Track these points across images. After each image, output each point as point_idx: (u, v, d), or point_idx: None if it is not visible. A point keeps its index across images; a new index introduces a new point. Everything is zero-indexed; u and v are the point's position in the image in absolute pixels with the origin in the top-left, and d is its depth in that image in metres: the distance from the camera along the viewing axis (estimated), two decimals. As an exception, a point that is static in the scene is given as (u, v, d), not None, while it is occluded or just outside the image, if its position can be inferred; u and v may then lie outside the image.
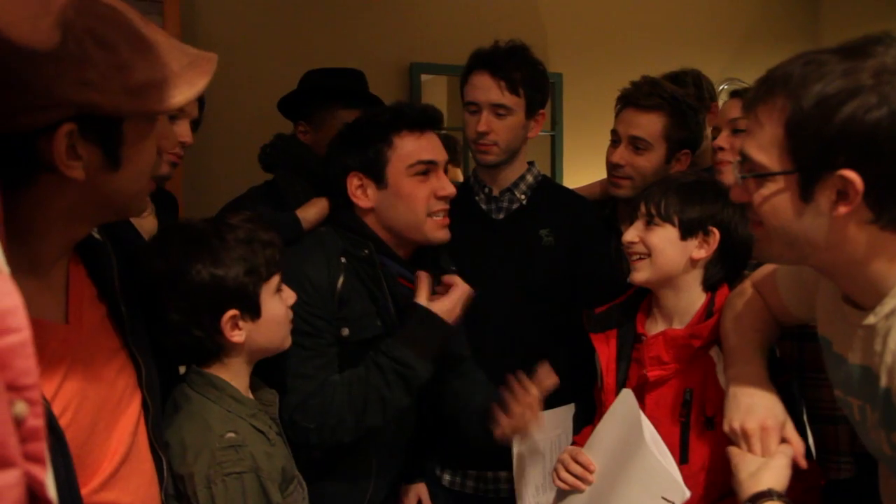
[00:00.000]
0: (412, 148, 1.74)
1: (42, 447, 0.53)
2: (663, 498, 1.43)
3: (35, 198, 0.96)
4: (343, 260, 1.72)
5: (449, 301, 1.71)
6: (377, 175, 1.74)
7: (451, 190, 1.77)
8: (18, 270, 0.53)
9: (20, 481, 0.50)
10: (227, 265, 1.35)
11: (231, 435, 1.33)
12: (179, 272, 1.34)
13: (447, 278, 1.77)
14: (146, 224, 1.78)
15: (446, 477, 2.17)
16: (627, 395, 1.59)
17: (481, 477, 2.13)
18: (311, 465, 1.63)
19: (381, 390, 1.63)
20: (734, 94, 2.12)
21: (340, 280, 1.69)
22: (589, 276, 2.06)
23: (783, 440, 1.32)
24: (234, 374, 1.43)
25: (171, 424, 1.35)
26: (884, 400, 1.12)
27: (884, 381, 1.11)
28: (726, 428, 1.35)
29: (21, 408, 0.51)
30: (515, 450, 1.96)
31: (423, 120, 1.77)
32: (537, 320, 2.06)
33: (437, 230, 1.78)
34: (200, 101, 1.80)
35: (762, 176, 1.12)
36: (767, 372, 1.42)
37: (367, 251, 1.72)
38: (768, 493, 1.21)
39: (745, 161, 1.15)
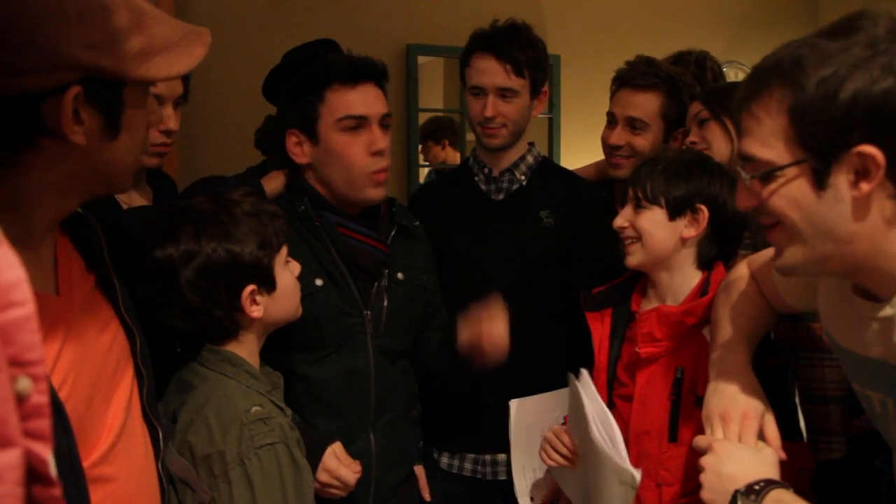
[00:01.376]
0: (342, 102, 1.71)
1: (46, 424, 0.52)
2: (620, 483, 1.44)
3: (32, 165, 0.96)
4: None
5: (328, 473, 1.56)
6: (310, 131, 1.73)
7: (382, 144, 1.74)
8: (10, 242, 0.52)
9: (20, 461, 0.49)
10: (241, 240, 1.35)
11: (257, 408, 1.34)
12: (194, 253, 1.33)
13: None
14: None
15: (444, 459, 2.17)
16: (573, 378, 1.59)
17: (479, 459, 2.14)
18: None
19: None
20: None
21: None
22: (588, 258, 2.06)
23: (761, 432, 1.29)
24: (248, 352, 1.44)
25: (188, 403, 1.36)
26: None
27: None
28: (704, 413, 1.34)
29: (25, 384, 0.50)
30: (512, 432, 1.96)
31: (354, 72, 1.73)
32: (536, 301, 2.06)
33: (370, 188, 1.75)
34: (184, 77, 1.79)
35: (771, 172, 1.07)
36: (751, 360, 1.40)
37: (303, 206, 1.73)
38: (774, 482, 1.18)
39: (749, 161, 1.10)
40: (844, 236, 1.06)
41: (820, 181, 1.04)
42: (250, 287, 1.37)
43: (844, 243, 1.06)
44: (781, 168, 1.06)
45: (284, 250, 1.44)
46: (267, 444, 1.31)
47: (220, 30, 3.13)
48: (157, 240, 1.36)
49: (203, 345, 1.42)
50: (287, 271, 1.45)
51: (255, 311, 1.39)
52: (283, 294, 1.43)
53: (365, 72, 1.75)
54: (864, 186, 1.01)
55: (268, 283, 1.40)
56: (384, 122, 1.77)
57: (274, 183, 1.88)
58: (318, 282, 1.72)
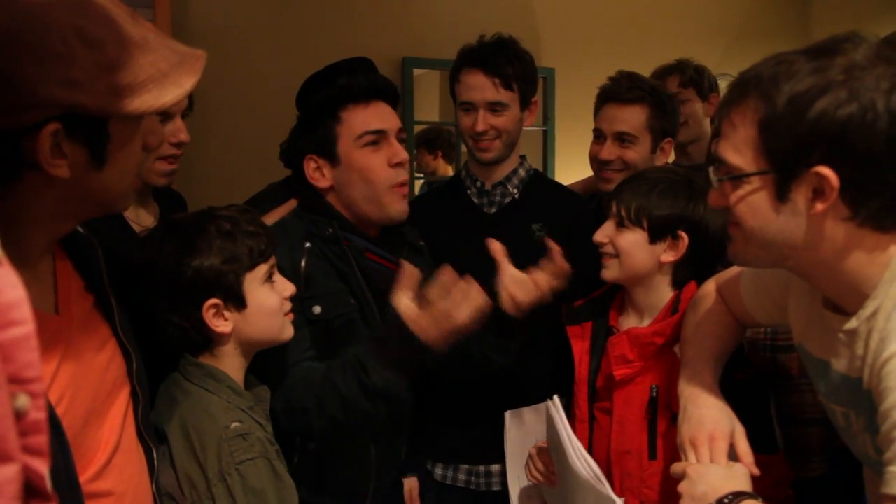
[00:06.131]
0: (359, 120, 1.73)
1: (44, 440, 0.53)
2: None
3: (20, 195, 0.96)
4: (307, 245, 1.71)
5: (428, 319, 1.50)
6: (330, 153, 1.74)
7: (404, 156, 1.76)
8: (9, 261, 0.53)
9: (18, 476, 0.50)
10: (204, 255, 1.35)
11: (237, 424, 1.34)
12: (158, 263, 1.35)
13: (445, 277, 1.54)
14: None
15: (438, 471, 2.17)
16: (550, 406, 1.61)
17: (473, 471, 2.14)
18: (309, 458, 1.64)
19: (338, 386, 1.58)
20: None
21: (304, 261, 1.68)
22: (580, 272, 2.07)
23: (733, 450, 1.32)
24: (230, 367, 1.43)
25: (171, 418, 1.35)
26: (867, 403, 1.12)
27: (865, 383, 1.12)
28: (678, 441, 1.37)
29: (23, 401, 0.51)
30: (508, 444, 1.97)
31: (367, 91, 1.75)
32: (529, 313, 2.06)
33: (395, 203, 1.76)
34: None
35: (737, 178, 1.12)
36: (718, 380, 1.43)
37: (330, 229, 1.72)
38: (744, 493, 1.21)
39: (721, 164, 1.15)
40: (801, 247, 1.11)
41: (780, 194, 1.09)
42: (212, 301, 1.36)
43: (801, 250, 1.12)
44: (747, 175, 1.11)
45: (262, 269, 1.42)
46: (247, 459, 1.31)
47: (217, 44, 3.16)
48: (133, 245, 1.39)
49: (187, 357, 1.42)
50: (266, 291, 1.43)
51: (221, 327, 1.38)
52: (256, 313, 1.41)
53: (376, 91, 1.77)
54: (819, 206, 1.06)
55: (235, 300, 1.39)
56: (400, 137, 1.79)
57: (277, 215, 1.88)
58: (352, 301, 1.72)
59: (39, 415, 0.52)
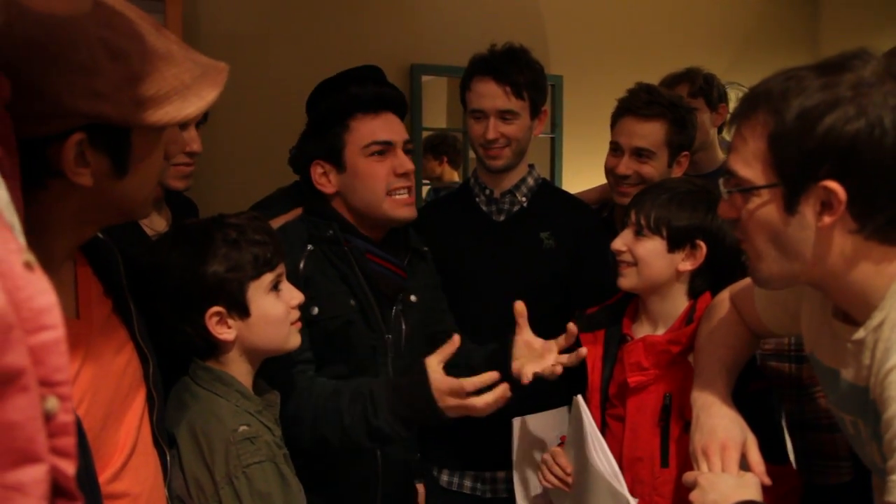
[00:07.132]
0: (367, 129, 1.76)
1: (71, 442, 0.54)
2: None
3: (43, 202, 0.98)
4: (310, 247, 1.73)
5: (453, 395, 1.51)
6: (336, 160, 1.77)
7: (408, 167, 1.78)
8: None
9: (46, 476, 0.52)
10: (207, 262, 1.36)
11: (244, 428, 1.35)
12: (163, 267, 1.36)
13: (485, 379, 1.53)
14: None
15: (444, 477, 2.18)
16: (577, 402, 1.62)
17: (479, 477, 2.15)
18: (312, 467, 1.64)
19: (342, 413, 1.59)
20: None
21: (302, 263, 1.70)
22: (588, 280, 2.08)
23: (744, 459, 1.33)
24: (237, 372, 1.44)
25: (180, 421, 1.36)
26: (873, 412, 1.13)
27: (871, 392, 1.13)
28: (690, 450, 1.38)
29: (52, 403, 0.52)
30: (515, 450, 1.98)
31: (377, 102, 1.78)
32: (536, 322, 2.07)
33: (397, 207, 1.78)
34: None
35: (747, 190, 1.14)
36: (731, 390, 1.44)
37: (331, 231, 1.75)
38: (753, 502, 1.22)
39: (731, 177, 1.17)
40: (810, 259, 1.13)
41: (789, 207, 1.11)
42: (215, 309, 1.37)
43: (811, 265, 1.14)
44: (757, 188, 1.13)
45: (267, 277, 1.42)
46: (254, 462, 1.32)
47: (226, 50, 3.18)
48: (144, 248, 1.40)
49: (197, 361, 1.43)
50: (271, 299, 1.43)
51: (225, 334, 1.39)
52: (261, 321, 1.42)
53: (386, 102, 1.80)
54: (827, 219, 1.08)
55: (238, 308, 1.39)
56: (406, 148, 1.81)
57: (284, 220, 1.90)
58: (352, 302, 1.74)
59: (67, 417, 0.54)
